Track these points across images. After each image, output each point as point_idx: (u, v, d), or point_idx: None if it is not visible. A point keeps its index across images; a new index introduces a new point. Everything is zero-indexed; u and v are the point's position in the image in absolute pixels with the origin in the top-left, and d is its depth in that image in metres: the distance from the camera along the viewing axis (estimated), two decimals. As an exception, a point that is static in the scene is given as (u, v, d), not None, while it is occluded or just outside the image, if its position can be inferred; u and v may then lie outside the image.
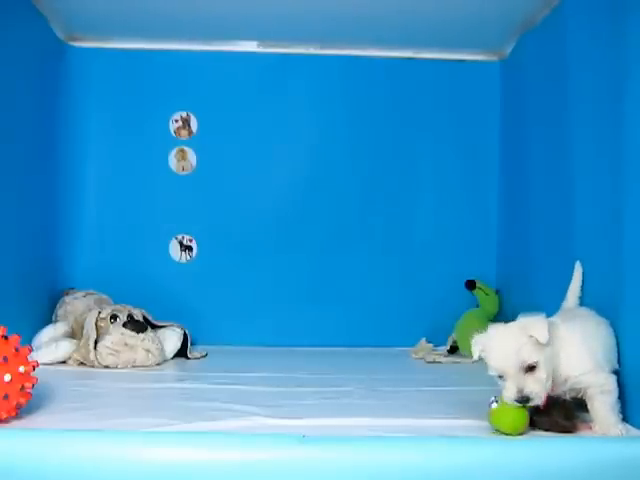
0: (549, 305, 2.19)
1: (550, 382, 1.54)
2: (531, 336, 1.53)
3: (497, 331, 1.59)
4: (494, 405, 1.56)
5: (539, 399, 1.51)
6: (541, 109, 2.44)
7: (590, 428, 1.60)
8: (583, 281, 1.98)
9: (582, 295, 1.98)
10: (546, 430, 1.59)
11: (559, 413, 1.59)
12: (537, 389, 1.51)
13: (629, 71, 1.72)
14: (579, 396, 1.61)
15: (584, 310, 1.86)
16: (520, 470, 1.32)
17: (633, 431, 1.58)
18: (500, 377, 1.55)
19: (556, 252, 2.22)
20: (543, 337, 1.52)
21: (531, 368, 1.52)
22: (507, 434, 1.54)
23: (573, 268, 2.04)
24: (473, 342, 1.62)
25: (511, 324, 1.59)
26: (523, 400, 1.51)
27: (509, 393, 1.52)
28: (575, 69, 2.09)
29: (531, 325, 1.55)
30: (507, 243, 2.86)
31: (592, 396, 1.57)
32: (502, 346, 1.54)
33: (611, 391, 1.57)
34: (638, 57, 1.69)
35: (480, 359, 1.62)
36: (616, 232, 1.77)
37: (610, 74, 1.83)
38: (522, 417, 1.55)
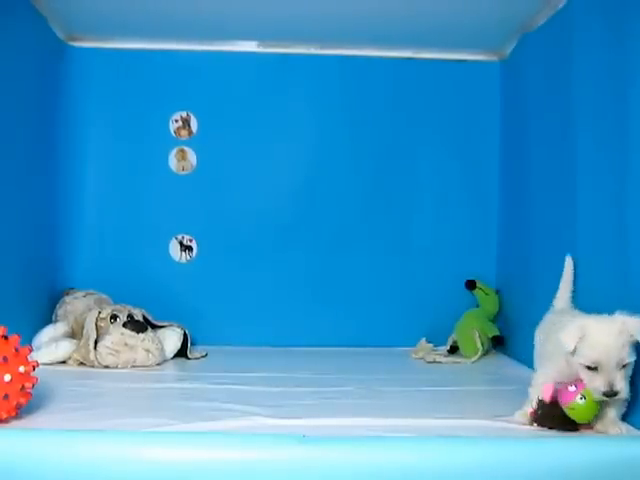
0: (549, 305, 2.20)
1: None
2: (632, 335, 1.54)
3: (602, 324, 1.58)
4: (580, 400, 1.56)
5: (624, 394, 1.53)
6: (541, 109, 2.44)
7: (591, 428, 1.61)
8: (585, 282, 1.98)
9: (584, 296, 1.98)
10: (550, 428, 1.61)
11: (563, 413, 1.60)
12: (624, 386, 1.53)
13: (634, 73, 1.71)
14: None
15: (578, 312, 1.88)
16: (520, 470, 1.32)
17: (633, 431, 1.58)
18: (589, 368, 1.55)
19: (556, 252, 2.21)
20: None
21: (624, 366, 1.54)
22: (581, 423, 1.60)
23: (574, 268, 2.04)
24: (569, 330, 1.60)
25: (615, 319, 1.58)
26: (611, 394, 1.52)
27: (599, 385, 1.53)
28: (577, 70, 2.09)
29: (636, 326, 1.55)
30: (507, 243, 2.85)
31: (616, 399, 1.59)
32: (607, 340, 1.54)
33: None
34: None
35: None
36: (618, 232, 1.77)
37: (613, 75, 1.83)
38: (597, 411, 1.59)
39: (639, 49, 1.70)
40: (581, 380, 1.57)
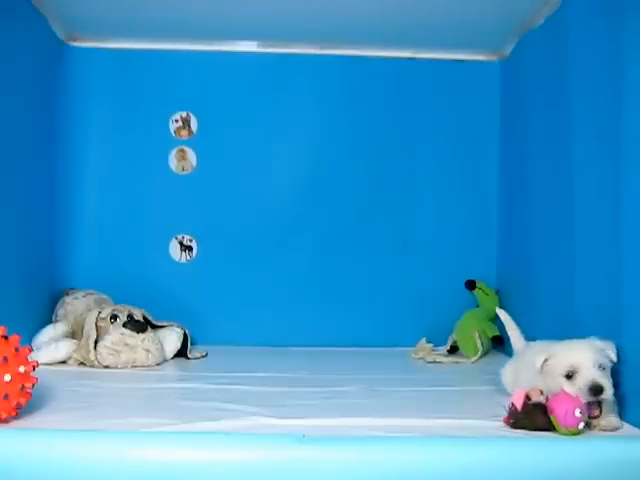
0: (549, 305, 2.20)
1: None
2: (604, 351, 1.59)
3: (566, 342, 1.65)
4: (581, 426, 1.52)
5: (609, 392, 1.54)
6: (541, 109, 2.44)
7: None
8: (584, 280, 1.99)
9: (582, 295, 1.99)
10: (523, 428, 1.60)
11: (539, 413, 1.60)
12: (609, 386, 1.54)
13: (627, 72, 1.72)
14: None
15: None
16: (521, 470, 1.32)
17: (633, 431, 1.58)
18: (568, 377, 1.57)
19: (556, 252, 2.22)
20: (615, 357, 1.61)
21: (603, 368, 1.56)
22: None
23: (574, 268, 2.04)
24: (538, 354, 1.66)
25: (584, 340, 1.65)
26: (597, 389, 1.53)
27: (580, 383, 1.54)
28: (576, 69, 2.09)
29: (607, 345, 1.61)
30: (507, 243, 2.85)
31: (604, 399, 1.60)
32: (579, 346, 1.61)
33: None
34: (636, 58, 1.69)
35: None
36: (616, 231, 1.77)
37: (610, 75, 1.83)
38: None
39: (637, 47, 1.70)
40: (587, 404, 1.55)
